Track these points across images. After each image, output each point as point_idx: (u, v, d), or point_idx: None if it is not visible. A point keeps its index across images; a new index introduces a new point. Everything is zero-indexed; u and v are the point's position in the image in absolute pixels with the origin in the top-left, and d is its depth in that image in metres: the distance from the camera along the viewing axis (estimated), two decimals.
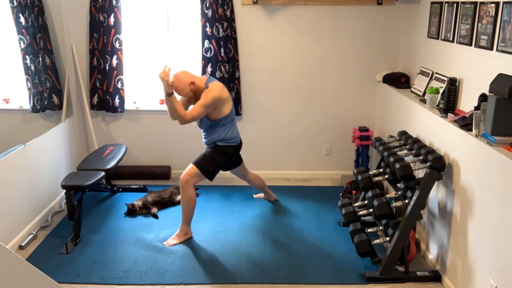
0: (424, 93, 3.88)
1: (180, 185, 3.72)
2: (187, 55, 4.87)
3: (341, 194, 4.41)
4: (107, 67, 4.71)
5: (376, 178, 3.58)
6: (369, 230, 3.41)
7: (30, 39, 4.21)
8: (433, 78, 3.83)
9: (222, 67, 4.66)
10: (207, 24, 4.57)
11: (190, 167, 3.76)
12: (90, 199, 4.46)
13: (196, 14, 4.66)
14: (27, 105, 4.34)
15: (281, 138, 5.00)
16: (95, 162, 4.15)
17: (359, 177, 3.65)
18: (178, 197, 4.36)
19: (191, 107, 3.80)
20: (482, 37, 3.03)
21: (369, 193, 3.45)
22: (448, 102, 3.37)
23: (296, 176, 5.10)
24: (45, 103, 4.42)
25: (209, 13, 4.53)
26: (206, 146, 3.93)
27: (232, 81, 4.74)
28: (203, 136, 3.92)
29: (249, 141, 5.00)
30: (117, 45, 4.66)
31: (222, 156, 3.86)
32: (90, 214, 4.20)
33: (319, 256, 3.52)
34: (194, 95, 3.71)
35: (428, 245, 3.49)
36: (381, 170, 3.69)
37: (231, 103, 3.81)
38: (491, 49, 2.91)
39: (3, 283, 1.89)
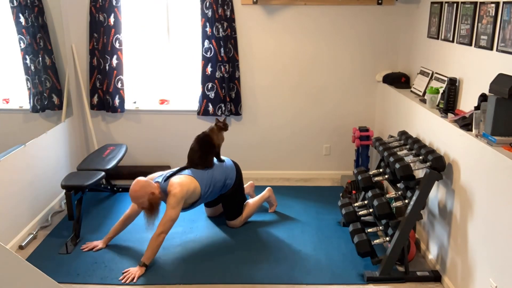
0: (424, 93, 3.88)
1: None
2: (187, 55, 4.87)
3: (341, 194, 4.41)
4: (107, 67, 4.71)
5: (376, 178, 3.58)
6: (369, 230, 3.41)
7: (30, 39, 4.21)
8: (433, 78, 3.83)
9: (222, 67, 4.66)
10: (207, 24, 4.57)
11: (234, 221, 3.93)
12: (90, 199, 4.46)
13: (196, 14, 4.66)
14: (27, 105, 4.33)
15: (281, 138, 5.00)
16: (95, 162, 4.15)
17: (359, 177, 3.65)
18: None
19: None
20: (482, 37, 3.03)
21: (369, 193, 3.45)
22: (448, 102, 3.37)
23: (296, 176, 5.10)
24: (45, 103, 4.42)
25: (209, 13, 4.53)
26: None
27: (232, 81, 4.74)
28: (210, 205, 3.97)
29: (249, 141, 5.00)
30: (117, 45, 4.66)
31: (237, 191, 3.93)
32: (90, 214, 4.20)
33: (319, 256, 3.52)
34: (150, 205, 3.41)
35: (428, 245, 3.49)
36: (381, 170, 3.69)
37: (196, 183, 3.57)
38: (491, 49, 2.91)
39: (3, 283, 1.89)
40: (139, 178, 3.47)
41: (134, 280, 3.20)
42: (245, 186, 4.23)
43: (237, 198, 3.93)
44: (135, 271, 3.27)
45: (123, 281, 3.20)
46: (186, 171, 3.65)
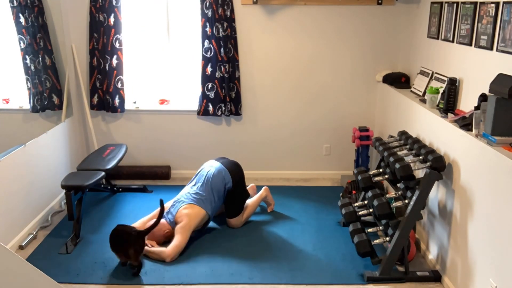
0: (424, 93, 3.88)
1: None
2: (187, 55, 4.87)
3: (341, 194, 4.41)
4: (107, 67, 4.71)
5: (376, 178, 3.58)
6: (369, 230, 3.41)
7: (30, 39, 4.21)
8: (433, 78, 3.83)
9: (222, 67, 4.66)
10: (207, 24, 4.57)
11: (234, 219, 3.94)
12: (90, 199, 4.46)
13: (196, 14, 4.66)
14: (27, 105, 4.33)
15: (281, 138, 5.00)
16: (95, 162, 4.15)
17: (359, 177, 3.65)
18: None
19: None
20: (482, 37, 3.03)
21: (369, 193, 3.45)
22: (448, 102, 3.37)
23: (296, 176, 5.10)
24: (45, 103, 4.42)
25: (209, 13, 4.53)
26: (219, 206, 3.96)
27: (232, 81, 4.74)
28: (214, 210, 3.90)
29: (249, 141, 5.01)
30: (117, 45, 4.66)
31: (238, 187, 3.94)
32: (90, 214, 4.20)
33: (319, 256, 3.52)
34: (167, 238, 3.66)
35: (428, 245, 3.49)
36: (381, 170, 3.69)
37: (199, 210, 3.70)
38: (491, 49, 2.92)
39: (3, 283, 1.89)
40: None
41: None
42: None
43: (238, 196, 3.93)
44: None
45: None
46: (188, 199, 3.74)
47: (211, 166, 3.94)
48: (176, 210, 3.69)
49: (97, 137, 4.95)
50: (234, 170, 3.94)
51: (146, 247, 3.48)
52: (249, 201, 4.08)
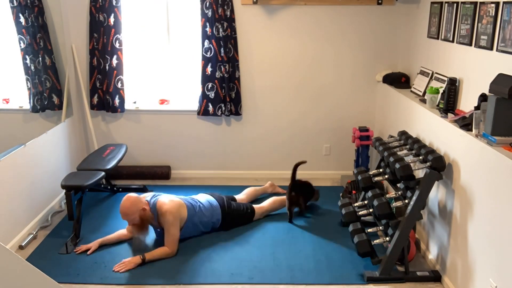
0: (424, 93, 3.88)
1: None
2: (187, 55, 4.88)
3: (341, 194, 4.41)
4: (107, 67, 4.71)
5: (376, 178, 3.58)
6: (369, 230, 3.41)
7: (30, 39, 4.21)
8: (433, 78, 3.83)
9: (222, 67, 4.66)
10: (207, 24, 4.57)
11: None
12: (90, 199, 4.46)
13: (196, 14, 4.66)
14: (27, 105, 4.33)
15: (281, 138, 5.00)
16: (95, 162, 4.15)
17: (359, 177, 3.65)
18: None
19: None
20: (482, 37, 3.03)
21: (369, 193, 3.45)
22: (448, 102, 3.38)
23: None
24: (45, 103, 4.42)
25: (209, 13, 4.53)
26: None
27: (232, 81, 4.74)
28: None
29: (249, 141, 5.01)
30: (117, 45, 4.66)
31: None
32: (90, 214, 4.20)
33: (319, 256, 3.52)
34: (141, 222, 3.47)
35: (428, 245, 3.49)
36: (381, 170, 3.69)
37: (181, 205, 3.62)
38: (491, 49, 2.92)
39: (3, 283, 1.89)
40: (129, 194, 3.53)
41: (130, 268, 3.32)
42: (265, 185, 4.50)
43: (234, 220, 3.93)
44: (130, 260, 3.35)
45: (116, 269, 3.29)
46: (174, 196, 3.72)
47: (204, 197, 3.92)
48: (156, 199, 3.60)
49: (97, 137, 4.95)
50: (224, 205, 3.89)
51: (147, 256, 3.40)
52: (275, 198, 4.23)
